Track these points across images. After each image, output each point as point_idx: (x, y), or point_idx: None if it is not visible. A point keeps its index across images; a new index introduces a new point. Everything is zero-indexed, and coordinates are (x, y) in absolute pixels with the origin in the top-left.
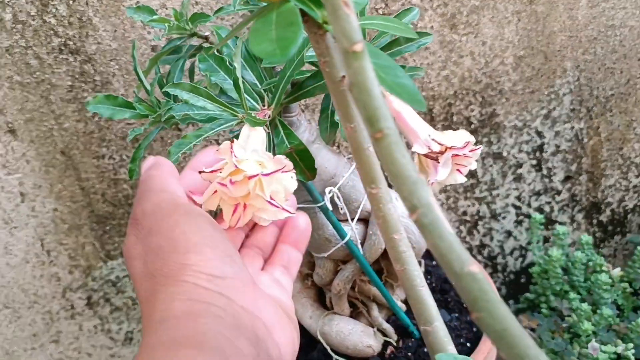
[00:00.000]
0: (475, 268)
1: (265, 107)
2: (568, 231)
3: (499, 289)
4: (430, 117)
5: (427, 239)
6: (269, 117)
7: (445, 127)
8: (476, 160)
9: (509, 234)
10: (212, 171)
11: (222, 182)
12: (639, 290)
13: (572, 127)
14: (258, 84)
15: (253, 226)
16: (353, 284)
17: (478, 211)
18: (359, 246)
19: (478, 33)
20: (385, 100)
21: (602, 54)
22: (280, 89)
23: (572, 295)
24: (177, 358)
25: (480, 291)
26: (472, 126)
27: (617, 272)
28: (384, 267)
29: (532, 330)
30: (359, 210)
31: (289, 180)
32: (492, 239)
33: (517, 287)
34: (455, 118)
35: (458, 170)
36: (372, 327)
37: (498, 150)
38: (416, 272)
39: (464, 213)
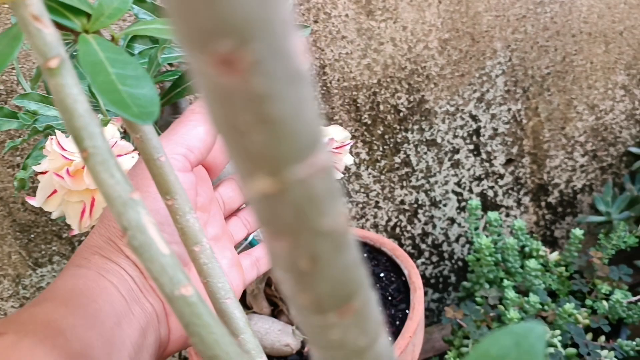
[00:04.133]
0: (188, 291)
1: None
2: (500, 218)
3: (447, 277)
4: (355, 108)
5: (140, 260)
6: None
7: (372, 117)
8: (356, 153)
9: (452, 220)
10: (44, 172)
11: (59, 173)
12: (574, 274)
13: (509, 109)
14: None
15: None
16: (270, 281)
17: (417, 199)
18: None
19: (397, 18)
20: (93, 116)
21: (533, 32)
22: None
23: (506, 282)
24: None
25: (193, 315)
26: (401, 114)
27: (554, 256)
28: None
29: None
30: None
31: (131, 162)
32: (434, 226)
33: (466, 274)
34: (382, 107)
35: None
36: (292, 325)
37: (431, 137)
38: (220, 284)
39: (402, 202)
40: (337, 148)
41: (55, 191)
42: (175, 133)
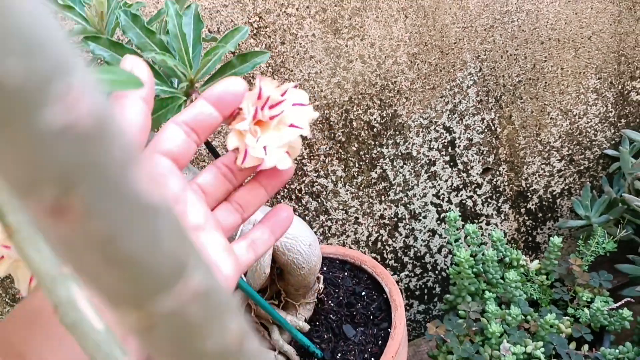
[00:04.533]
0: None
1: None
2: (480, 229)
3: (432, 288)
4: (328, 126)
5: (74, 338)
6: None
7: (346, 134)
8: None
9: (433, 232)
10: None
11: (4, 244)
12: (555, 282)
13: (483, 119)
14: None
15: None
16: (249, 308)
17: (396, 213)
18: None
19: (364, 35)
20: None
21: (501, 42)
22: None
23: (488, 294)
24: None
25: None
26: (375, 130)
27: (534, 264)
28: (281, 288)
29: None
30: (237, 236)
31: None
32: (416, 239)
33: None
34: (355, 124)
35: (293, 125)
36: (274, 350)
37: (407, 151)
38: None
39: (382, 217)
40: (296, 104)
41: (3, 257)
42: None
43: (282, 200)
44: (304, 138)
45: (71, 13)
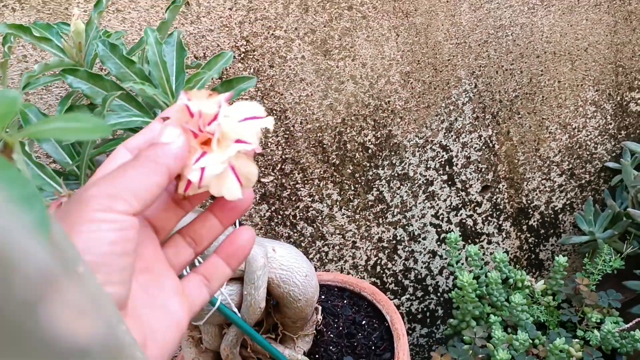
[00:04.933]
0: None
1: (64, 194)
2: (481, 250)
3: (434, 311)
4: (321, 149)
5: None
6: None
7: (340, 157)
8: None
9: (433, 253)
10: None
11: None
12: (562, 303)
13: (480, 136)
14: (69, 161)
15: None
16: (245, 343)
17: (395, 236)
18: (234, 309)
19: (355, 55)
20: None
21: (496, 57)
22: (82, 169)
23: (493, 318)
24: None
25: None
26: (370, 151)
27: (540, 285)
28: (277, 320)
29: None
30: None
31: None
32: (416, 261)
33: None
34: (349, 146)
35: (239, 141)
36: None
37: (403, 171)
38: None
39: (380, 240)
40: (247, 119)
41: None
42: (120, 176)
43: (275, 228)
44: (296, 162)
45: (48, 45)
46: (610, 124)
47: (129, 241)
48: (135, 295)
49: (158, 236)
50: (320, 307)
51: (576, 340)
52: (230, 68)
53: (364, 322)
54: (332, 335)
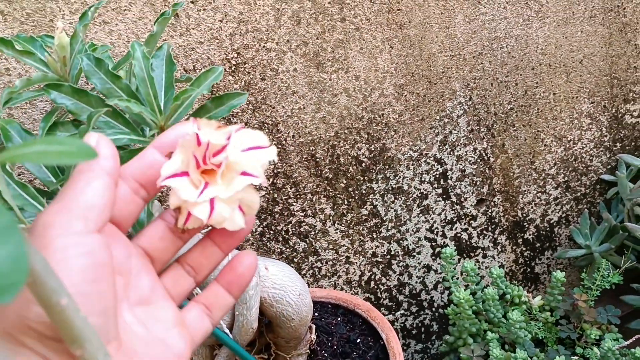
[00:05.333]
0: None
1: None
2: (477, 265)
3: (429, 326)
4: (314, 163)
5: None
6: None
7: (333, 171)
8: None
9: (428, 268)
10: None
11: None
12: (560, 320)
13: (475, 149)
14: (53, 180)
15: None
16: None
17: (389, 250)
18: (226, 330)
19: (349, 68)
20: None
21: (491, 69)
22: None
23: (490, 335)
24: None
25: None
26: (363, 165)
27: (537, 301)
28: (270, 340)
29: None
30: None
31: None
32: (410, 276)
33: (448, 320)
34: (342, 159)
35: (245, 173)
36: None
37: (397, 185)
38: None
39: (374, 254)
40: (250, 149)
41: None
42: (64, 198)
43: (267, 243)
44: (289, 176)
45: (30, 59)
46: (606, 136)
47: (100, 266)
48: (131, 328)
49: (154, 267)
50: (314, 326)
51: (575, 357)
52: (220, 81)
53: (358, 340)
54: (326, 355)
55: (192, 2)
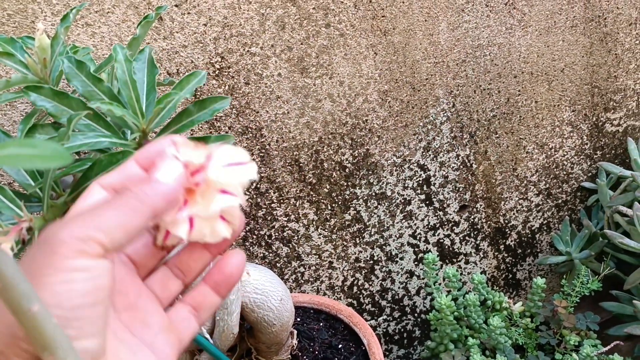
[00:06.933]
0: None
1: (25, 218)
2: (459, 271)
3: (411, 332)
4: (298, 168)
5: None
6: (26, 230)
7: (317, 176)
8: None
9: (410, 273)
10: None
11: None
12: (540, 326)
13: (458, 155)
14: (32, 182)
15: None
16: None
17: (372, 255)
18: (206, 335)
19: (333, 73)
20: None
21: (474, 76)
22: (46, 191)
23: (471, 341)
24: None
25: None
26: (347, 170)
27: (518, 307)
28: (251, 345)
29: None
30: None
31: None
32: (393, 281)
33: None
34: (326, 165)
35: (225, 191)
36: None
37: (381, 191)
38: None
39: (357, 260)
40: (231, 165)
41: None
42: (85, 217)
43: (250, 248)
44: (272, 181)
45: (10, 60)
46: (587, 144)
47: (101, 290)
48: (117, 336)
49: (139, 273)
50: (295, 331)
51: None
52: (204, 85)
53: (340, 345)
54: None
55: (176, 6)
